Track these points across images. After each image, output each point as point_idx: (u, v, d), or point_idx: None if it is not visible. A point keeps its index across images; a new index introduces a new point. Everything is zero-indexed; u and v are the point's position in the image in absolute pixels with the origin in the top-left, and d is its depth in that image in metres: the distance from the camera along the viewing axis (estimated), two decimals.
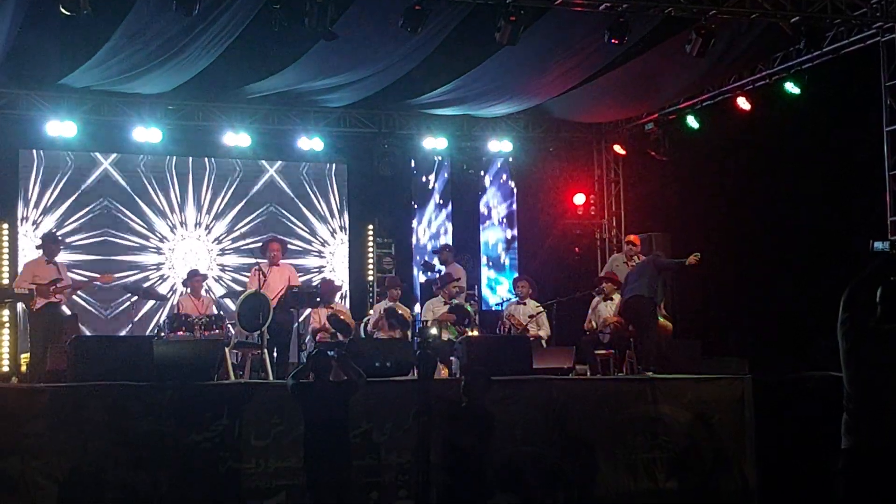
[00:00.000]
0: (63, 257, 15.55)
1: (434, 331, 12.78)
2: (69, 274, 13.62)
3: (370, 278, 17.39)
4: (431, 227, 18.64)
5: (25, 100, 15.19)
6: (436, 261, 15.88)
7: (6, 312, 14.89)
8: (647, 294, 12.64)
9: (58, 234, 14.67)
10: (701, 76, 14.72)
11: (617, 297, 13.93)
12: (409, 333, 14.01)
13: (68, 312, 13.91)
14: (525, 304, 14.20)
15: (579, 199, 17.98)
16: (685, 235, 15.05)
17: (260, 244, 14.42)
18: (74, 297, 15.48)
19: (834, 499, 6.58)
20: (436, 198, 18.65)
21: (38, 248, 14.12)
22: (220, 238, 17.26)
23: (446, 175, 18.48)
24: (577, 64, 14.08)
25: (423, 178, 18.66)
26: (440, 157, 18.17)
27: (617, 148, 17.63)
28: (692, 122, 15.79)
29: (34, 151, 16.41)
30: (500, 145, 17.36)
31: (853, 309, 6.59)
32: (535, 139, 17.55)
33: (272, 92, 15.20)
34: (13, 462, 9.13)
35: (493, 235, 18.71)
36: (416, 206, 18.50)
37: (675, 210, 15.83)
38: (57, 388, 9.68)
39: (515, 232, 18.36)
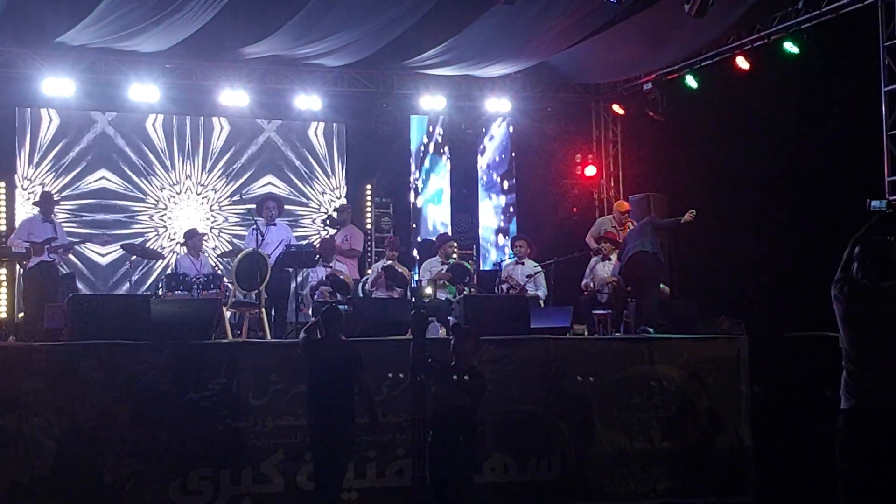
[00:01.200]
0: (61, 216, 15.62)
1: (429, 290, 12.79)
2: (65, 233, 13.64)
3: (368, 237, 17.40)
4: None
5: (22, 58, 15.13)
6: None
7: (3, 271, 14.90)
8: (651, 250, 12.67)
9: (53, 192, 14.67)
10: (700, 36, 14.65)
11: (615, 258, 13.97)
12: (407, 292, 14.05)
13: (66, 271, 13.95)
14: (523, 263, 14.22)
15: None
16: (683, 196, 15.00)
17: (257, 203, 14.42)
18: (72, 256, 15.56)
19: (831, 457, 6.64)
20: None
21: (34, 205, 14.14)
22: (218, 197, 17.25)
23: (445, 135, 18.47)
24: (575, 22, 14.01)
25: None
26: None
27: (615, 108, 17.60)
28: (691, 81, 15.73)
29: (31, 109, 16.40)
30: (499, 105, 17.31)
31: (848, 268, 6.61)
32: (534, 99, 17.50)
33: (268, 54, 15.14)
34: (11, 419, 9.17)
35: (492, 194, 18.69)
36: (413, 167, 18.48)
37: (673, 170, 15.80)
38: (54, 346, 9.70)
39: (514, 191, 18.35)
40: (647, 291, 12.64)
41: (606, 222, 14.99)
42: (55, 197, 14.19)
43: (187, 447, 9.55)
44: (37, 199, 14.15)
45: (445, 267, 13.95)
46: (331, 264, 14.02)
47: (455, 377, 8.28)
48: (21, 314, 13.38)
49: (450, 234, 16.53)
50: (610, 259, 14.00)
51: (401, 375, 9.86)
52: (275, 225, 13.55)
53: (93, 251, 16.28)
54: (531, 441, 10.45)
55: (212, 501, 9.58)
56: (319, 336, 8.96)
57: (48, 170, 16.41)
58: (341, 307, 10.22)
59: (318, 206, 17.64)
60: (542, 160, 18.07)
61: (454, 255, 14.38)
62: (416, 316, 8.57)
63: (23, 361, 9.38)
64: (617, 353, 11.02)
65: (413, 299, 12.85)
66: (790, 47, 13.82)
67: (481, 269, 17.38)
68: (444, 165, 18.63)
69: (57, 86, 15.26)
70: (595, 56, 15.55)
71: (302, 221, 17.33)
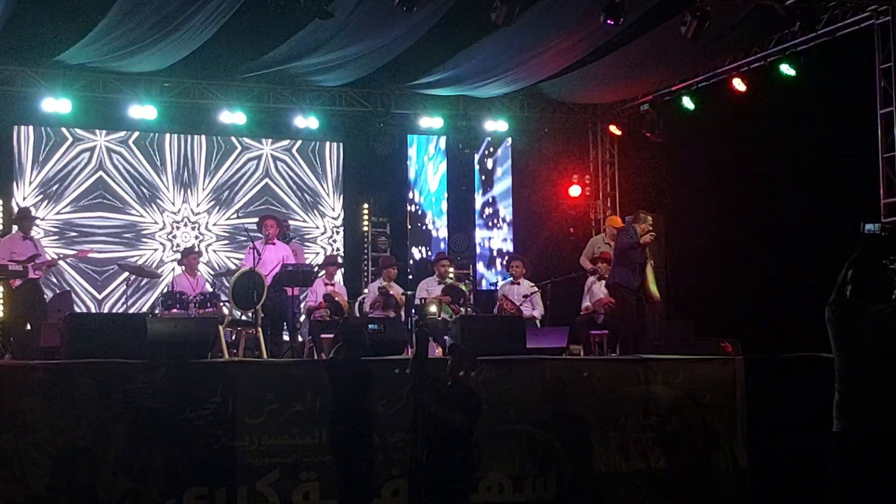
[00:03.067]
0: (56, 234, 15.64)
1: (433, 308, 12.76)
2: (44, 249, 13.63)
3: (365, 257, 17.40)
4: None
5: (21, 76, 15.19)
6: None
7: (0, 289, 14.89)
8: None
9: (30, 209, 14.66)
10: (696, 58, 14.72)
11: None
12: (403, 313, 14.05)
13: (55, 289, 13.91)
14: (519, 283, 14.24)
15: (575, 190, 18.02)
16: (680, 216, 15.06)
17: (256, 222, 14.40)
18: (69, 275, 15.58)
19: (826, 480, 6.64)
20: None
21: (13, 223, 14.10)
22: (215, 216, 17.26)
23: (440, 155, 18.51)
24: (572, 45, 14.08)
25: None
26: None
27: (612, 128, 17.66)
28: (688, 103, 15.81)
29: (29, 128, 16.43)
30: (497, 125, 17.37)
31: (842, 291, 6.62)
32: (531, 119, 17.56)
33: (267, 71, 15.19)
34: (7, 438, 9.13)
35: (489, 215, 18.71)
36: (411, 185, 18.47)
37: (669, 191, 15.85)
38: (50, 365, 9.68)
39: (511, 211, 18.37)
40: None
41: (599, 241, 15.04)
42: (32, 213, 14.16)
43: (183, 466, 9.50)
44: (14, 216, 14.11)
45: (442, 287, 13.96)
46: (332, 283, 14.06)
47: (452, 397, 8.27)
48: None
49: (446, 252, 16.56)
50: (606, 279, 14.00)
51: (397, 395, 9.85)
52: (273, 244, 13.53)
53: (88, 268, 16.28)
54: (528, 461, 10.42)
55: None
56: (342, 356, 8.94)
57: (45, 188, 16.41)
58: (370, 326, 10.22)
59: (315, 226, 17.65)
60: (539, 180, 18.11)
61: (450, 275, 14.39)
62: (419, 334, 8.54)
63: (19, 380, 9.35)
64: (613, 374, 10.99)
65: (417, 317, 12.86)
66: (786, 69, 13.90)
67: (478, 288, 17.40)
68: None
69: (55, 104, 15.30)
70: (592, 78, 15.60)
71: (298, 240, 17.31)
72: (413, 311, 13.50)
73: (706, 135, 15.35)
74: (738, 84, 14.76)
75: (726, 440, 11.07)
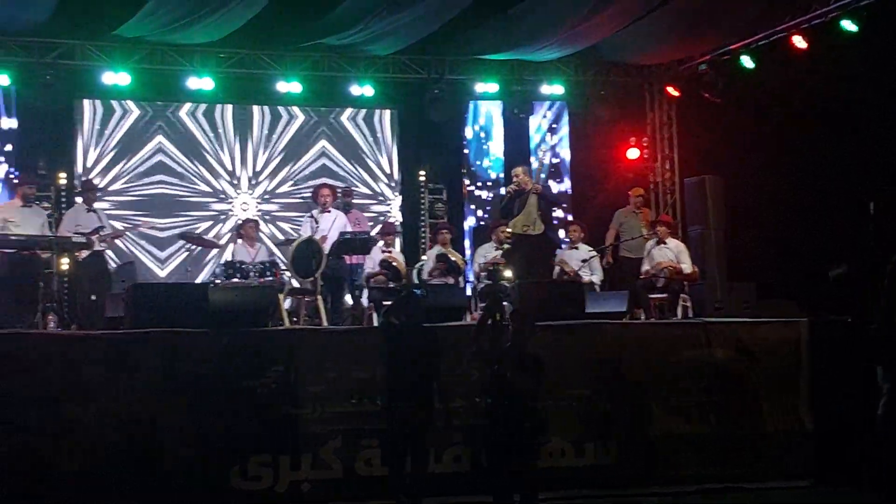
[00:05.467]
0: (119, 207, 15.81)
1: (508, 273, 12.68)
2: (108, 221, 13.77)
3: (422, 224, 17.40)
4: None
5: (80, 50, 15.33)
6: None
7: (65, 261, 15.04)
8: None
9: (94, 181, 14.81)
10: (755, 15, 14.50)
11: (671, 241, 13.90)
12: (462, 279, 14.07)
13: (116, 262, 14.06)
14: (577, 248, 14.17)
15: (633, 153, 17.87)
16: (739, 178, 14.89)
17: (321, 189, 14.41)
18: (131, 245, 15.75)
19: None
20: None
21: (77, 195, 14.25)
22: (273, 185, 17.34)
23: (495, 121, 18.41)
24: (628, 4, 13.93)
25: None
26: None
27: (670, 90, 17.48)
28: (747, 62, 15.59)
29: (90, 101, 16.58)
30: (552, 89, 17.26)
31: None
32: (587, 83, 17.42)
33: (320, 41, 15.20)
34: (72, 407, 9.28)
35: (545, 179, 18.61)
36: (466, 152, 18.40)
37: (729, 152, 15.65)
38: (114, 335, 9.82)
39: (568, 175, 18.27)
40: None
41: (621, 215, 15.07)
42: (96, 185, 14.30)
43: (246, 434, 9.61)
44: (79, 188, 14.26)
45: (500, 252, 13.93)
46: (389, 249, 14.09)
47: (518, 362, 8.26)
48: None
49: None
50: (666, 243, 13.91)
51: (457, 362, 9.88)
52: (329, 212, 13.58)
53: (150, 239, 16.44)
54: (588, 426, 10.42)
55: (271, 487, 9.66)
56: (399, 321, 8.95)
57: (106, 160, 16.57)
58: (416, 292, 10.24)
59: (371, 193, 17.67)
60: (596, 144, 17.99)
61: (508, 240, 14.35)
62: (492, 299, 8.53)
63: (85, 350, 9.50)
64: (673, 338, 10.95)
65: (491, 281, 12.86)
66: (848, 25, 13.66)
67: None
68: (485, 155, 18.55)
69: (114, 77, 15.45)
70: (648, 37, 15.44)
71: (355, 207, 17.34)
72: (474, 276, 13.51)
73: (766, 94, 15.14)
74: (799, 42, 14.52)
75: (791, 403, 11.01)
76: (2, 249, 12.14)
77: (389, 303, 10.02)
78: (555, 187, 18.22)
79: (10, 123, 15.90)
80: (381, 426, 9.27)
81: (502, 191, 16.23)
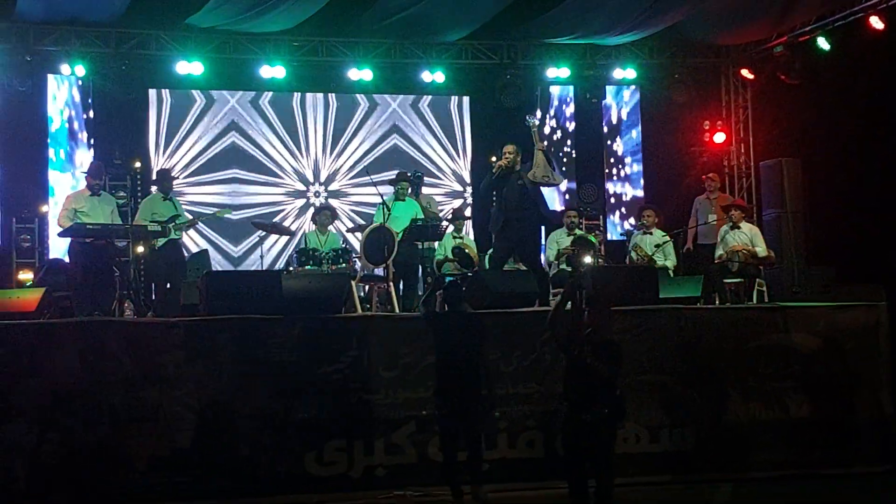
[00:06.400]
0: (193, 196, 15.98)
1: (588, 259, 12.59)
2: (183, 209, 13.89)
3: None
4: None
5: (154, 40, 15.50)
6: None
7: (140, 249, 15.23)
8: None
9: (170, 169, 14.96)
10: None
11: (746, 225, 13.72)
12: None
13: (194, 249, 14.20)
14: (651, 233, 14.05)
15: (719, 137, 17.64)
16: (817, 161, 14.68)
17: (392, 177, 14.42)
18: (205, 233, 15.90)
19: None
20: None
21: (152, 184, 14.40)
22: (345, 172, 17.41)
23: (567, 106, 18.31)
24: None
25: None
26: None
27: (745, 72, 17.25)
28: (823, 43, 15.33)
29: (164, 91, 16.76)
30: (625, 73, 17.12)
31: None
32: (661, 66, 17.24)
33: (392, 18, 15.21)
34: (153, 392, 9.41)
35: (619, 164, 18.48)
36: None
37: (805, 135, 15.43)
38: (192, 322, 9.92)
39: (641, 160, 18.13)
40: None
41: (697, 201, 14.95)
42: (172, 174, 14.43)
43: (322, 419, 9.69)
44: (155, 177, 14.40)
45: (571, 238, 13.86)
46: (461, 235, 14.08)
47: (596, 348, 8.21)
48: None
49: (574, 205, 16.43)
50: (740, 227, 13.73)
51: (531, 347, 9.86)
52: (404, 201, 13.59)
53: (223, 227, 16.60)
54: (663, 411, 10.35)
55: (346, 472, 9.72)
56: (443, 310, 9.00)
57: (180, 149, 16.75)
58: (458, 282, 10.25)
59: (443, 180, 17.67)
60: (669, 128, 17.82)
61: (581, 227, 14.28)
62: (572, 283, 8.48)
63: (162, 336, 9.61)
64: (750, 322, 10.82)
65: (570, 267, 12.80)
66: None
67: (608, 239, 17.25)
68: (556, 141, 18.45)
69: (188, 66, 15.61)
70: (725, 17, 15.26)
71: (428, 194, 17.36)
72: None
73: (844, 76, 14.89)
74: (876, 22, 14.27)
75: (870, 388, 10.84)
76: (79, 238, 12.29)
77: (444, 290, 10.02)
78: (626, 178, 18.12)
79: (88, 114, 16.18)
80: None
81: None
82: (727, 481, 10.06)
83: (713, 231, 14.38)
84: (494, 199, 12.12)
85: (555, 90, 18.28)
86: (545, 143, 12.05)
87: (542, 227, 12.26)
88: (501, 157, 11.64)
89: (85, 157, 16.04)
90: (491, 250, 14.07)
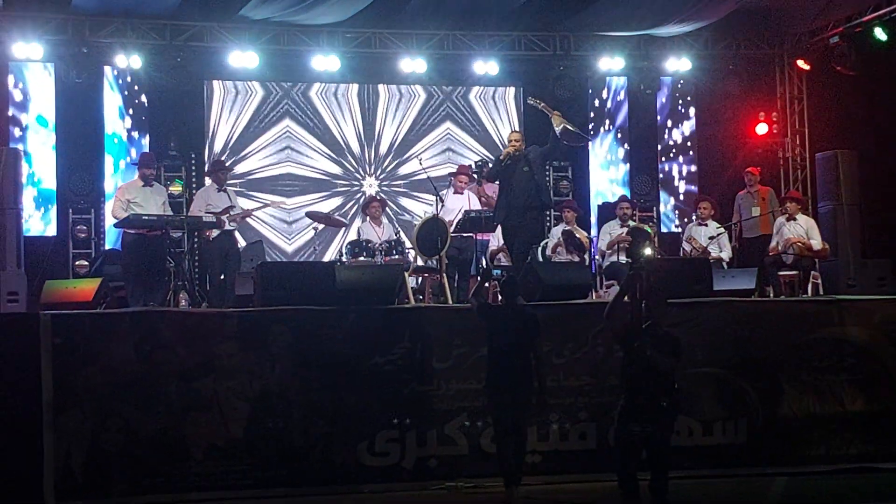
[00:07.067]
0: (248, 187, 16.09)
1: (648, 251, 12.55)
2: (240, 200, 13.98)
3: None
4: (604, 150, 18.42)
5: (209, 32, 15.64)
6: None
7: (196, 241, 15.38)
8: None
9: (224, 160, 15.07)
10: None
11: (801, 217, 13.63)
12: (587, 257, 14.00)
13: (242, 242, 14.31)
14: (706, 225, 13.98)
15: (762, 129, 17.51)
16: (874, 153, 14.53)
17: (452, 171, 14.42)
18: (259, 225, 16.01)
19: None
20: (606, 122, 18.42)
21: (207, 175, 14.50)
22: (399, 164, 17.45)
23: (620, 98, 18.23)
24: None
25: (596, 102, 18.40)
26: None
27: (801, 63, 17.08)
28: (880, 33, 15.16)
29: (218, 82, 16.88)
30: (679, 64, 17.01)
31: None
32: (716, 57, 17.13)
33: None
34: (207, 383, 9.47)
35: (672, 156, 18.38)
36: (590, 130, 18.26)
37: (862, 127, 15.28)
38: (246, 312, 9.98)
39: (695, 152, 18.02)
40: None
41: (739, 197, 14.88)
42: (226, 164, 14.54)
43: (374, 410, 9.72)
44: (209, 168, 14.51)
45: (625, 230, 13.83)
46: None
47: (656, 340, 8.20)
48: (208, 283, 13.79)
49: (629, 196, 16.36)
50: (796, 219, 13.64)
51: (583, 339, 9.85)
52: (461, 193, 13.59)
53: (279, 216, 16.71)
54: (717, 404, 10.30)
55: (398, 463, 9.75)
56: (497, 302, 9.02)
57: (235, 140, 16.86)
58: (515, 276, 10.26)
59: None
60: (724, 119, 17.70)
61: (634, 218, 14.23)
62: (632, 276, 8.47)
63: (216, 327, 9.68)
64: (805, 315, 10.74)
65: (629, 259, 12.78)
66: None
67: (662, 231, 17.18)
68: (609, 133, 18.36)
69: (242, 58, 15.72)
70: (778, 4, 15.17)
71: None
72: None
73: None
74: None
75: None
76: (134, 229, 12.42)
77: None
78: (681, 169, 18.05)
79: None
80: None
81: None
82: (781, 475, 10.00)
83: (758, 224, 14.33)
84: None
85: (611, 82, 18.20)
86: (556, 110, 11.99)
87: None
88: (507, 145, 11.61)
89: (139, 149, 16.17)
90: (544, 241, 14.08)
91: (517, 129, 12.18)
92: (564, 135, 11.47)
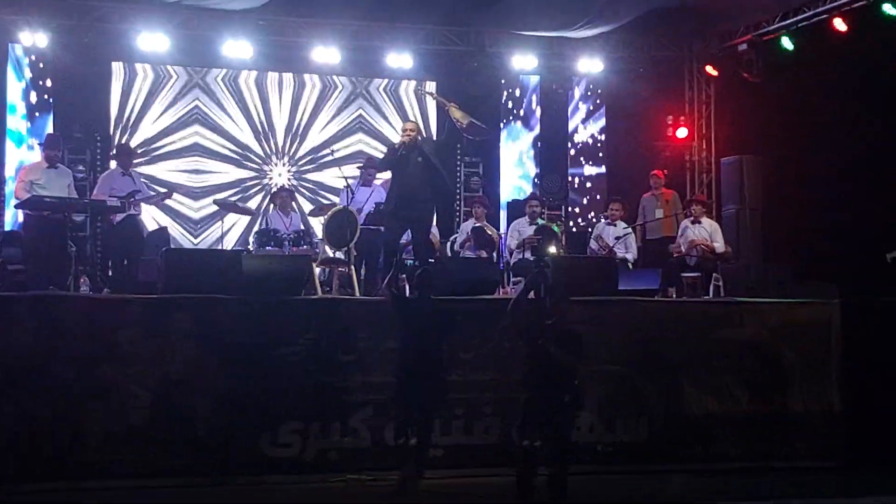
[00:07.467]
0: (153, 173, 15.86)
1: (552, 249, 12.64)
2: (145, 185, 13.78)
3: (457, 198, 17.38)
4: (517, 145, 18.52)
5: (118, 12, 15.34)
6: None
7: (99, 226, 15.11)
8: None
9: (129, 144, 14.84)
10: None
11: (706, 220, 13.84)
12: (495, 253, 14.06)
13: (155, 226, 14.10)
14: (615, 225, 14.13)
15: (682, 132, 17.71)
16: (778, 159, 14.80)
17: (361, 163, 14.39)
18: (165, 210, 15.81)
19: None
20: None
21: (111, 158, 14.28)
22: (308, 154, 17.35)
23: (533, 96, 18.34)
24: None
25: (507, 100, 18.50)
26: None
27: (709, 69, 17.34)
28: (787, 43, 15.47)
29: (126, 64, 16.61)
30: (591, 65, 17.17)
31: None
32: (626, 59, 17.32)
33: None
34: (107, 370, 9.32)
35: (581, 155, 18.54)
36: (502, 126, 18.35)
37: (767, 133, 15.54)
38: (149, 299, 9.83)
39: (604, 152, 18.20)
40: None
41: (644, 199, 15.09)
42: (132, 148, 14.33)
43: (277, 401, 9.64)
44: (114, 152, 14.29)
45: (534, 228, 13.91)
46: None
47: (558, 337, 8.25)
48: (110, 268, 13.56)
49: (538, 194, 16.46)
50: (700, 222, 13.85)
51: (490, 335, 9.88)
52: (369, 186, 13.56)
53: (184, 205, 16.52)
54: (619, 402, 10.40)
55: (300, 454, 9.68)
56: (412, 295, 9.02)
57: (141, 124, 16.62)
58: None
59: None
60: (633, 121, 17.89)
61: (543, 216, 14.32)
62: (537, 273, 8.51)
63: (118, 313, 9.53)
64: (706, 316, 10.91)
65: (532, 256, 12.83)
66: (889, 9, 13.53)
67: (572, 229, 17.33)
68: (520, 130, 18.48)
69: (151, 41, 15.46)
70: (686, 11, 15.37)
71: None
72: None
73: (806, 76, 15.03)
74: (839, 24, 14.43)
75: (821, 384, 10.95)
76: (36, 211, 12.17)
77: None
78: (590, 169, 18.22)
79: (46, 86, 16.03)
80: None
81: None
82: (681, 472, 10.12)
83: (661, 226, 14.56)
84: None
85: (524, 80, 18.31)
86: (453, 101, 12.02)
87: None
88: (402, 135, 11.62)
89: (43, 129, 15.85)
90: (454, 237, 14.12)
91: (409, 121, 12.16)
92: (470, 127, 11.48)
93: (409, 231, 12.04)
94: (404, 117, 17.55)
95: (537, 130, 18.27)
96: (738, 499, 9.52)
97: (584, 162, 18.43)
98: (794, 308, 11.10)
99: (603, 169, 18.20)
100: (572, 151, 18.48)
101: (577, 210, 18.34)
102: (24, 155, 15.72)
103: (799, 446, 10.76)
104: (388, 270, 10.84)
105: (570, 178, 18.25)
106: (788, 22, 15.36)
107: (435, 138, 11.78)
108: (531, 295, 8.52)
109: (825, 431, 10.87)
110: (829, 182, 14.32)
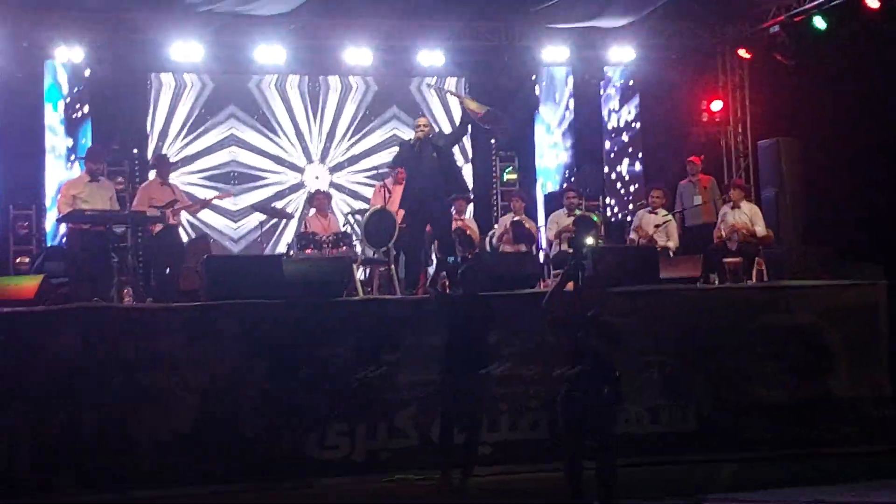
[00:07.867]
0: (190, 179, 15.95)
1: (590, 240, 12.59)
2: (184, 194, 13.85)
3: (494, 191, 17.37)
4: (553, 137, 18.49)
5: (151, 23, 15.41)
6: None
7: (140, 236, 15.21)
8: None
9: (168, 154, 14.91)
10: None
11: (745, 205, 13.75)
12: (534, 246, 14.04)
13: (190, 235, 14.17)
14: (656, 213, 14.07)
15: (717, 105, 17.59)
16: (815, 140, 14.67)
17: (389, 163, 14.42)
18: (205, 218, 15.89)
19: None
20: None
21: (150, 169, 14.36)
22: (345, 156, 17.39)
23: (565, 88, 18.30)
24: None
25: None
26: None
27: (741, 52, 17.21)
28: (819, 23, 15.31)
29: (162, 75, 16.71)
30: (623, 54, 17.07)
31: None
32: (657, 47, 17.21)
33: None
34: (153, 376, 9.40)
35: (616, 145, 18.48)
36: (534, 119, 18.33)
37: (802, 115, 15.40)
38: (192, 306, 9.91)
39: (640, 140, 18.12)
40: None
41: (681, 186, 14.98)
42: (171, 159, 14.41)
43: (324, 402, 9.67)
44: (153, 162, 14.37)
45: (572, 219, 13.86)
46: (462, 218, 14.05)
47: (596, 329, 8.22)
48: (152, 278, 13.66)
49: (574, 185, 16.42)
50: (740, 206, 13.76)
51: (533, 329, 9.86)
52: (402, 184, 13.56)
53: (225, 210, 16.61)
54: (664, 392, 10.35)
55: (349, 455, 9.72)
56: (458, 293, 9.02)
57: (179, 134, 16.72)
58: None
59: None
60: (666, 108, 17.79)
61: (581, 207, 14.29)
62: (574, 265, 8.48)
63: (163, 321, 9.61)
64: (750, 302, 10.83)
65: (571, 249, 12.81)
66: None
67: (609, 219, 17.27)
68: (553, 122, 18.45)
69: (186, 50, 15.52)
70: None
71: None
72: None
73: (839, 55, 14.87)
74: (871, 1, 14.27)
75: (869, 368, 10.84)
76: (77, 224, 12.27)
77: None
78: (625, 158, 18.15)
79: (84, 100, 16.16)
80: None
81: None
82: (728, 461, 10.06)
83: (700, 212, 14.46)
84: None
85: (555, 72, 18.28)
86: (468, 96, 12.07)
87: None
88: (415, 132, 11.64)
89: (82, 143, 15.98)
90: (492, 232, 14.09)
91: (422, 117, 12.20)
92: (486, 116, 11.49)
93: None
94: (439, 115, 17.57)
95: (571, 122, 18.21)
96: (787, 486, 9.45)
97: (619, 150, 18.34)
98: (841, 291, 10.97)
99: (639, 156, 18.10)
100: (607, 143, 18.41)
101: (612, 202, 18.26)
102: (64, 173, 15.81)
103: (848, 430, 10.65)
104: (424, 267, 10.83)
105: (605, 168, 18.18)
106: (820, 1, 15.21)
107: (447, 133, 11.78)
108: (569, 286, 8.49)
109: (875, 415, 10.75)
110: (867, 162, 14.18)
